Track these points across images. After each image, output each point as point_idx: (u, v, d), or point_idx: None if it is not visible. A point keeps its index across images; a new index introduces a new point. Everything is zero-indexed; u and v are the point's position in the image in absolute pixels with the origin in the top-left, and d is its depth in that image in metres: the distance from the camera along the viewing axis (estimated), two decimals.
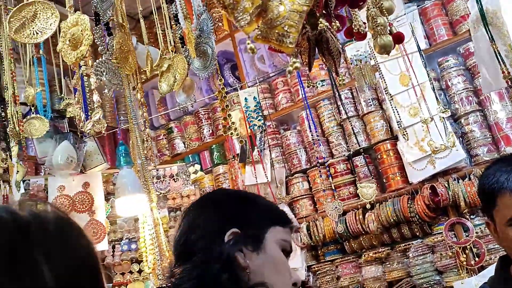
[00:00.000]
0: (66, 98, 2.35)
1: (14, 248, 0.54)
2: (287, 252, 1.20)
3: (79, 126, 2.12)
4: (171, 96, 4.92)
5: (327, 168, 3.87)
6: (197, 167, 3.72)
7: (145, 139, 2.38)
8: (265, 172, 3.83)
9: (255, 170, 4.04)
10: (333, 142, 3.90)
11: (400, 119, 3.06)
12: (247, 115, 3.10)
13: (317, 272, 3.79)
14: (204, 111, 4.67)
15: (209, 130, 4.65)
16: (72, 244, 0.61)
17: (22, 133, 2.12)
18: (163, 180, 3.44)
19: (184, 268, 1.13)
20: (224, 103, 2.11)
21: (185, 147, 4.74)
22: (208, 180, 4.43)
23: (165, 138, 4.84)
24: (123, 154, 2.44)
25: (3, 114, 2.01)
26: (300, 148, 4.05)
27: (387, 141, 3.62)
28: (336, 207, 3.03)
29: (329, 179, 3.84)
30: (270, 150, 4.12)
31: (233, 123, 2.12)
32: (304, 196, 3.93)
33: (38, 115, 2.17)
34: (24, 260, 0.54)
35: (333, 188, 3.77)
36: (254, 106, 3.25)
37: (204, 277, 1.08)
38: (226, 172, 4.47)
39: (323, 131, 3.99)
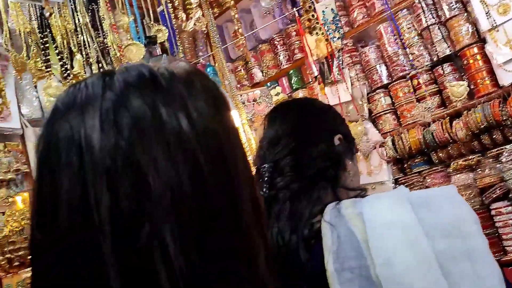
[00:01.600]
0: (154, 25, 2.51)
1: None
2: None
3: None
4: (245, 28, 4.99)
5: (410, 80, 3.79)
6: (278, 89, 3.82)
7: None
8: (347, 88, 3.84)
9: (337, 89, 4.06)
10: (414, 53, 3.78)
11: (490, 18, 2.89)
12: (325, 28, 3.09)
13: (405, 185, 3.83)
14: (279, 38, 4.69)
15: (286, 56, 4.69)
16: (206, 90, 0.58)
17: (123, 58, 2.31)
18: (247, 104, 3.58)
19: (288, 162, 1.21)
20: (306, 3, 2.13)
21: (263, 75, 4.84)
22: None
23: (243, 69, 4.96)
24: (211, 75, 2.57)
25: (105, 41, 2.20)
26: (380, 64, 3.98)
27: (474, 45, 3.44)
28: (428, 108, 2.98)
29: (412, 91, 3.78)
30: (349, 69, 4.10)
31: (317, 22, 2.14)
32: (387, 111, 3.91)
33: (134, 42, 2.35)
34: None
35: (417, 100, 3.71)
36: (332, 18, 3.21)
37: (309, 169, 1.18)
38: (306, 96, 4.53)
39: (403, 43, 3.87)
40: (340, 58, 4.00)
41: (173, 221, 0.48)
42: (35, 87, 3.34)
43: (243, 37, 4.56)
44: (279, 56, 4.71)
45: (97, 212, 0.48)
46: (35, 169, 0.56)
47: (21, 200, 3.26)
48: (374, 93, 3.99)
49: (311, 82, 4.53)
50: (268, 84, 4.76)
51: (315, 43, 4.30)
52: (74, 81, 2.10)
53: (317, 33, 2.24)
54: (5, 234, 3.06)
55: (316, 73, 4.43)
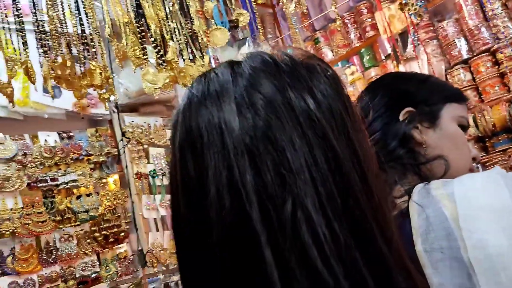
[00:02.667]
0: (236, 9, 2.57)
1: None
2: (464, 127, 1.21)
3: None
4: (313, 7, 4.95)
5: (493, 54, 3.62)
6: (353, 68, 3.78)
7: None
8: (422, 65, 3.72)
9: (410, 67, 3.96)
10: (498, 25, 3.59)
11: None
12: (405, 2, 2.99)
13: (487, 163, 3.69)
14: (349, 16, 4.61)
15: (357, 34, 4.60)
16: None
17: (209, 43, 2.38)
18: None
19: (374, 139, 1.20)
20: None
21: (333, 55, 4.79)
22: (360, 84, 4.47)
23: (312, 49, 4.93)
24: None
25: (193, 27, 2.28)
26: (459, 38, 3.82)
27: None
28: None
29: (496, 66, 3.61)
30: (424, 45, 3.97)
31: None
32: (468, 87, 3.76)
33: (218, 26, 2.42)
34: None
35: (500, 75, 3.54)
36: None
37: (380, 152, 1.13)
38: (379, 75, 4.45)
39: (484, 15, 3.69)
40: (415, 34, 3.88)
41: (313, 193, 0.52)
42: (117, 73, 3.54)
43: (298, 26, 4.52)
44: (350, 34, 4.63)
45: (243, 187, 0.52)
46: (172, 151, 0.62)
47: (113, 181, 3.49)
48: (453, 69, 3.85)
49: (384, 60, 4.44)
50: (339, 63, 4.72)
51: (388, 19, 4.21)
52: (168, 67, 2.21)
53: (409, 9, 2.18)
54: (100, 212, 3.30)
55: (389, 51, 4.34)
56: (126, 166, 3.51)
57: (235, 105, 0.56)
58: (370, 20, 4.42)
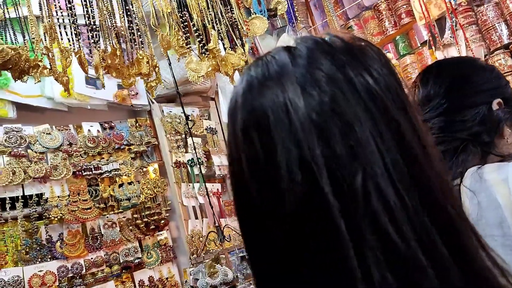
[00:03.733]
0: None
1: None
2: None
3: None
4: None
5: None
6: (389, 55, 3.74)
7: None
8: (461, 51, 3.65)
9: (448, 54, 3.89)
10: None
11: None
12: None
13: None
14: (384, 4, 4.55)
15: (391, 22, 4.54)
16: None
17: (249, 32, 2.41)
18: None
19: (438, 122, 1.17)
20: None
21: None
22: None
23: None
24: None
25: (233, 16, 2.31)
26: (499, 22, 3.73)
27: None
28: None
29: None
30: (463, 30, 3.88)
31: None
32: (508, 73, 3.67)
33: (257, 15, 2.44)
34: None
35: None
36: None
37: (460, 132, 1.13)
38: (414, 62, 4.39)
39: None
40: (453, 19, 3.80)
41: (380, 163, 0.54)
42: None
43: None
44: (384, 22, 4.57)
45: (313, 162, 0.54)
46: (233, 135, 0.62)
47: (153, 170, 3.58)
48: (493, 54, 3.76)
49: (420, 47, 4.38)
50: None
51: (424, 5, 4.14)
52: (210, 56, 2.25)
53: None
54: (142, 200, 3.40)
55: (426, 37, 4.27)
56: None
57: (298, 84, 0.58)
58: (405, 6, 4.36)
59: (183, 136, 3.72)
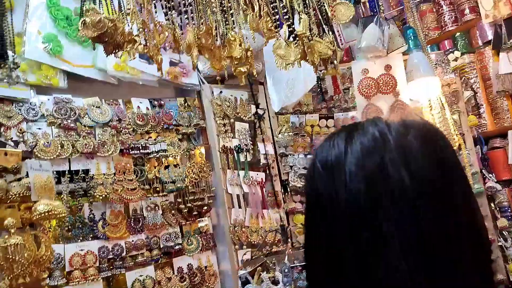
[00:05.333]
0: None
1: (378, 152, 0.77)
2: None
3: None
4: None
5: None
6: (457, 54, 3.53)
7: None
8: None
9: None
10: None
11: None
12: None
13: None
14: None
15: (452, 17, 4.30)
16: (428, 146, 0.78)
17: (334, 18, 2.21)
18: None
19: None
20: None
21: (423, 38, 4.51)
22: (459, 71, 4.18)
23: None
24: (411, 37, 2.41)
25: (321, 1, 2.12)
26: None
27: None
28: None
29: None
30: None
31: None
32: None
33: (343, 1, 2.24)
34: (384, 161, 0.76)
35: None
36: None
37: None
38: (473, 62, 4.17)
39: None
40: None
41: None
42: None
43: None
44: (444, 16, 4.33)
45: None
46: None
47: (199, 154, 3.42)
48: None
49: (482, 47, 4.15)
50: (428, 48, 4.44)
51: (492, 2, 3.90)
52: (299, 42, 2.06)
53: None
54: (186, 184, 3.25)
55: (490, 37, 4.05)
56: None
57: (345, 177, 0.77)
58: (470, 2, 4.11)
59: (232, 120, 3.55)
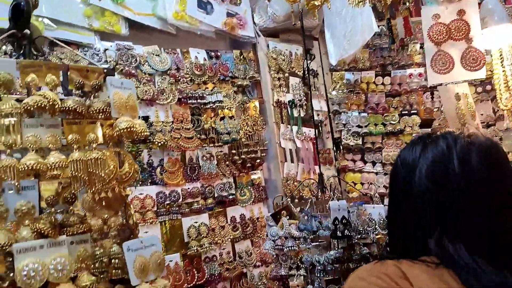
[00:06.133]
0: None
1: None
2: None
3: None
4: None
5: None
6: None
7: None
8: None
9: None
10: None
11: None
12: None
13: None
14: None
15: None
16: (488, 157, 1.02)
17: None
18: None
19: None
20: None
21: None
22: None
23: None
24: None
25: None
26: None
27: None
28: None
29: None
30: None
31: None
32: None
33: None
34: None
35: None
36: None
37: None
38: None
39: None
40: None
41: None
42: None
43: None
44: None
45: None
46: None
47: (253, 107, 3.42)
48: None
49: None
50: None
51: None
52: None
53: None
54: (240, 137, 3.27)
55: None
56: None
57: (416, 176, 1.05)
58: None
59: (286, 75, 3.52)
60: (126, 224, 1.75)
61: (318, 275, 2.06)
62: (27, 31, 1.78)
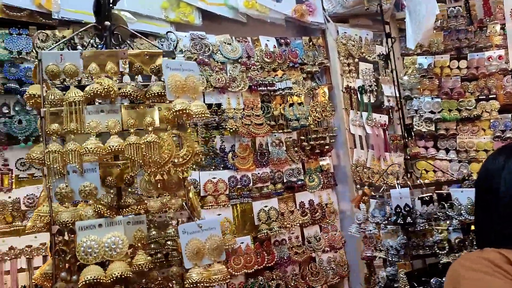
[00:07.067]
0: None
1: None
2: None
3: None
4: None
5: None
6: None
7: None
8: None
9: None
10: None
11: None
12: None
13: None
14: None
15: None
16: None
17: None
18: None
19: None
20: None
21: None
22: None
23: None
24: None
25: None
26: None
27: None
28: None
29: None
30: None
31: None
32: None
33: None
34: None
35: None
36: None
37: None
38: None
39: None
40: None
41: None
42: None
43: None
44: None
45: None
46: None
47: (322, 93, 3.43)
48: None
49: None
50: None
51: None
52: None
53: None
54: (309, 123, 3.29)
55: None
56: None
57: (500, 183, 1.14)
58: None
59: (356, 60, 3.48)
60: (186, 206, 1.77)
61: (392, 259, 2.08)
62: (107, 23, 1.90)
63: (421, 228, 2.06)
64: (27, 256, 2.50)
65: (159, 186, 1.72)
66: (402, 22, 3.66)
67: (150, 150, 1.64)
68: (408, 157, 2.60)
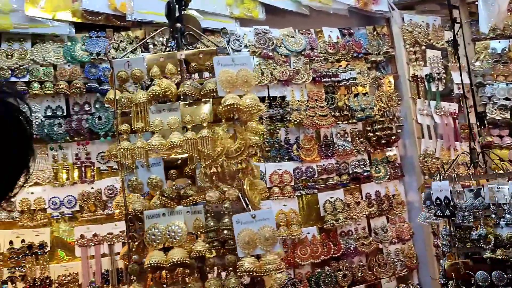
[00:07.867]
0: None
1: None
2: None
3: None
4: None
5: None
6: None
7: None
8: None
9: None
10: None
11: None
12: None
13: None
14: None
15: None
16: None
17: None
18: None
19: None
20: None
21: None
22: None
23: None
24: None
25: None
26: None
27: None
28: None
29: None
30: None
31: None
32: None
33: None
34: None
35: None
36: None
37: None
38: None
39: None
40: None
41: None
42: None
43: None
44: None
45: None
46: None
47: (387, 82, 3.37)
48: None
49: None
50: None
51: None
52: None
53: None
54: (375, 113, 3.25)
55: None
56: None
57: None
58: None
59: (423, 47, 3.38)
60: (241, 197, 1.84)
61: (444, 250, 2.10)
62: (178, 25, 2.02)
63: (459, 221, 2.03)
64: (109, 243, 2.70)
65: (213, 178, 1.83)
66: (473, 5, 3.50)
67: (204, 145, 1.75)
68: (474, 148, 2.51)
